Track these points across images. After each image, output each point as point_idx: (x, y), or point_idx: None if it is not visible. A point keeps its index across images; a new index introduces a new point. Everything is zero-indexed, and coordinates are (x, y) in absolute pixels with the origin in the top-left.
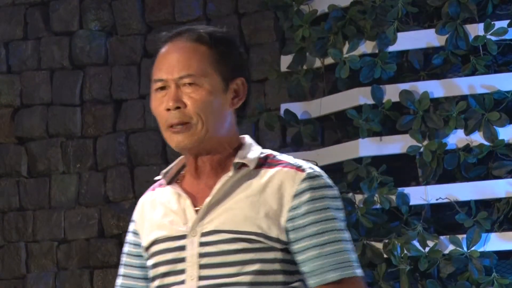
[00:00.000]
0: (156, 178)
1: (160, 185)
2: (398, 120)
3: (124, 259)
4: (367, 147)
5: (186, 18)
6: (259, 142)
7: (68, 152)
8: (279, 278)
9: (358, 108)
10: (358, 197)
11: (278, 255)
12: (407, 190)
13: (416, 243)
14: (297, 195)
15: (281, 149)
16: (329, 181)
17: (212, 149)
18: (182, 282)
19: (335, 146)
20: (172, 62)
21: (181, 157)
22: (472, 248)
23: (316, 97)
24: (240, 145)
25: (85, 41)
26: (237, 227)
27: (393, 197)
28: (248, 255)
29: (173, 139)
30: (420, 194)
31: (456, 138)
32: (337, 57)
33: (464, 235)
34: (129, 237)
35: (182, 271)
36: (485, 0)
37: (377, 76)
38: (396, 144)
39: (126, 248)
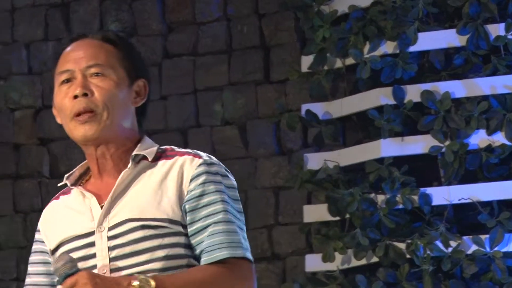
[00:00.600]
0: (60, 184)
1: (64, 194)
2: (419, 120)
3: (29, 268)
4: (389, 147)
5: (206, 18)
6: (280, 142)
7: None
8: (188, 262)
9: (380, 109)
10: (380, 198)
11: (184, 240)
12: (429, 190)
13: (439, 243)
14: (193, 178)
15: (303, 149)
16: (225, 170)
17: (114, 140)
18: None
19: (357, 147)
20: (79, 55)
21: (84, 162)
22: (495, 248)
23: (337, 97)
24: (139, 141)
25: None
26: (142, 214)
27: (415, 198)
28: (156, 241)
29: (80, 130)
30: (443, 195)
31: (478, 138)
32: (358, 58)
33: (487, 236)
34: (34, 246)
35: (93, 267)
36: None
37: (398, 76)
38: (418, 145)
39: (31, 258)
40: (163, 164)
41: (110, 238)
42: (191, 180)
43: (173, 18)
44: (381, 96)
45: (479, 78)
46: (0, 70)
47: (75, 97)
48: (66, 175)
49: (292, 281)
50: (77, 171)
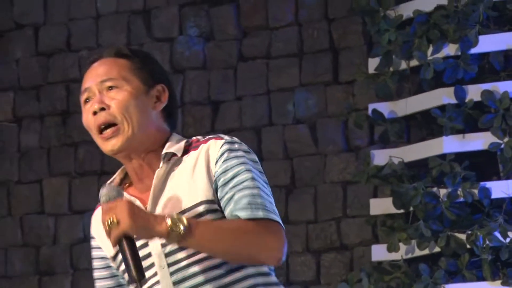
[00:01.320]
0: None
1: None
2: (480, 118)
3: (95, 274)
4: (451, 144)
5: (278, 23)
6: (348, 140)
7: None
8: None
9: (442, 108)
10: (442, 191)
11: (221, 216)
12: (488, 184)
13: (497, 234)
14: (218, 158)
15: (369, 146)
16: (247, 148)
17: (141, 146)
18: (155, 274)
19: (420, 144)
20: (94, 73)
21: (122, 167)
22: None
23: (402, 97)
24: (167, 141)
25: (184, 47)
26: (184, 206)
27: (476, 191)
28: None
29: (107, 145)
30: (501, 188)
31: None
32: (422, 59)
33: None
34: (93, 253)
35: (152, 265)
36: None
37: (460, 77)
38: (478, 141)
39: (94, 263)
40: (191, 156)
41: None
42: (216, 161)
43: (248, 23)
44: (444, 96)
45: None
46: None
47: (95, 113)
48: (108, 181)
49: (359, 270)
50: (117, 176)
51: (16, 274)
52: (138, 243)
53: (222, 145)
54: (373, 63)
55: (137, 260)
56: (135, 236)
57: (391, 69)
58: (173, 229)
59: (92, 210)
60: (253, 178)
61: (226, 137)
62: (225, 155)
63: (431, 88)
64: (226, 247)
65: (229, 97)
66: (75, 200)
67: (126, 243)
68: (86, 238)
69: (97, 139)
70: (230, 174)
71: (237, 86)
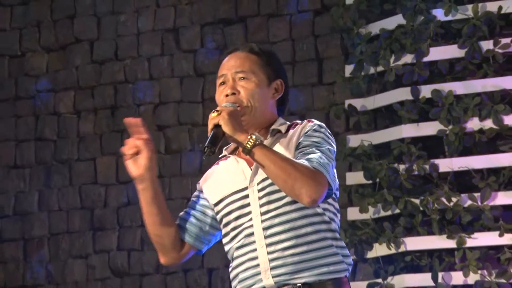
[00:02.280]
0: (220, 155)
1: (224, 158)
2: (430, 110)
3: (189, 203)
4: (408, 130)
5: (276, 39)
6: (329, 127)
7: (193, 136)
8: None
9: (401, 103)
10: (401, 167)
11: None
12: (437, 161)
13: (443, 199)
14: (306, 132)
15: (345, 132)
16: (327, 131)
17: (257, 125)
18: (250, 219)
19: (385, 130)
20: (230, 64)
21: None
22: (485, 203)
23: (370, 94)
24: (274, 122)
25: (204, 57)
26: None
27: (427, 167)
28: None
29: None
30: (447, 164)
31: (473, 124)
32: (386, 66)
33: (479, 193)
34: (195, 194)
35: (248, 213)
36: (493, 22)
37: (415, 79)
38: (429, 128)
39: (193, 199)
40: (290, 133)
41: (259, 190)
42: (303, 134)
43: (253, 38)
44: (403, 94)
45: (474, 80)
46: (130, 76)
47: (227, 95)
48: (225, 147)
49: None
50: (232, 145)
51: (75, 230)
52: (241, 194)
53: (310, 125)
54: (348, 69)
55: (214, 138)
56: (227, 130)
57: (362, 73)
58: (250, 139)
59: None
60: (321, 147)
61: (316, 121)
62: (310, 132)
63: (393, 88)
64: (279, 171)
65: None
66: (121, 173)
67: (216, 130)
68: (130, 202)
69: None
70: (307, 140)
71: None
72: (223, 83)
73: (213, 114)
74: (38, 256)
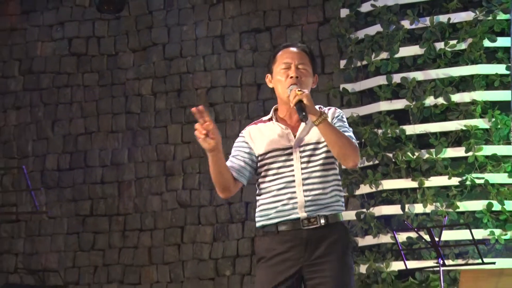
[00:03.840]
0: (263, 118)
1: (261, 122)
2: (400, 92)
3: (236, 150)
4: (384, 106)
5: (292, 42)
6: (329, 104)
7: (235, 110)
8: (334, 164)
9: (379, 86)
10: (380, 131)
11: None
12: (404, 127)
13: (409, 153)
14: (335, 117)
15: (340, 107)
16: (343, 114)
17: (312, 105)
18: (292, 170)
19: (368, 106)
20: (294, 55)
21: (272, 108)
22: (438, 156)
23: (358, 81)
24: None
25: (242, 55)
26: (316, 140)
27: (397, 131)
28: (321, 152)
29: (291, 94)
30: (411, 129)
31: (429, 101)
32: (368, 61)
33: (434, 149)
34: (240, 141)
35: (291, 165)
36: (444, 29)
37: (389, 70)
38: (399, 104)
39: (237, 144)
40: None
41: (301, 151)
42: (336, 117)
43: (276, 42)
44: (380, 80)
45: (430, 70)
46: (190, 69)
47: (291, 77)
48: (268, 116)
49: None
50: (272, 113)
51: (153, 176)
52: (285, 152)
53: (339, 112)
54: (342, 63)
55: (303, 109)
56: (305, 103)
57: (352, 66)
58: (322, 114)
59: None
60: (348, 129)
61: (339, 109)
62: (340, 117)
63: (373, 76)
64: (338, 140)
65: (264, 80)
66: (184, 136)
67: (300, 104)
68: (191, 156)
69: (282, 91)
70: (340, 122)
71: None
72: (287, 68)
73: (298, 92)
74: (127, 193)
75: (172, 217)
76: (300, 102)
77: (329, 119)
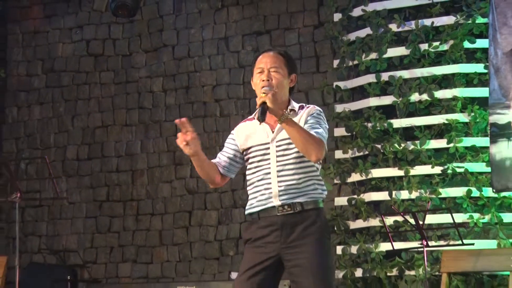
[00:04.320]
0: (249, 117)
1: (248, 120)
2: (387, 89)
3: (223, 150)
4: (373, 101)
5: (291, 43)
6: (323, 100)
7: (238, 105)
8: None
9: (369, 84)
10: (369, 124)
11: None
12: (392, 121)
13: (396, 145)
14: (310, 115)
15: (334, 103)
16: (321, 113)
17: (278, 103)
18: (269, 164)
19: (359, 101)
20: (266, 60)
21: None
22: (422, 147)
23: (349, 79)
24: (289, 102)
25: (245, 55)
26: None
27: (385, 124)
28: (294, 147)
29: (264, 99)
30: (398, 123)
31: (415, 97)
32: (359, 60)
33: (418, 141)
34: (230, 138)
35: (268, 159)
36: (428, 32)
37: (378, 69)
38: (387, 100)
39: (227, 141)
40: (300, 112)
41: (277, 146)
42: (309, 115)
43: (275, 44)
44: (370, 78)
45: (415, 69)
46: (197, 68)
47: (263, 80)
48: (254, 114)
49: (328, 163)
50: (257, 112)
51: (164, 165)
52: (264, 147)
53: (315, 110)
54: (335, 63)
55: (263, 110)
56: (270, 106)
57: (344, 65)
58: (283, 114)
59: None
60: (319, 126)
61: (317, 108)
62: (315, 114)
63: (364, 74)
64: (300, 137)
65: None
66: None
67: (264, 105)
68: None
69: (259, 94)
70: (313, 119)
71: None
72: (260, 72)
73: (262, 95)
74: (140, 181)
75: (180, 202)
76: (263, 104)
77: (304, 117)
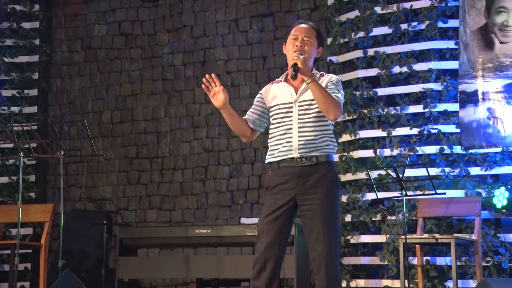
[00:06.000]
0: (277, 79)
1: (275, 82)
2: (373, 62)
3: (254, 103)
4: (361, 73)
5: (290, 24)
6: (319, 71)
7: (246, 77)
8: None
9: (358, 58)
10: (357, 93)
11: None
12: (377, 89)
13: (380, 110)
14: (330, 81)
15: (328, 73)
16: (339, 81)
17: (305, 68)
18: (291, 120)
19: (349, 73)
20: (302, 30)
21: (285, 73)
22: (402, 112)
23: (341, 53)
24: (312, 70)
25: (251, 34)
26: (311, 98)
27: (371, 92)
28: (314, 107)
29: (295, 60)
30: (382, 91)
31: (396, 69)
32: (349, 38)
33: (399, 106)
34: (258, 97)
35: (290, 116)
36: (409, 10)
37: (365, 45)
38: (372, 72)
39: (256, 99)
40: (322, 78)
41: (299, 106)
42: (331, 82)
43: (278, 24)
44: (358, 53)
45: (396, 45)
46: (212, 45)
47: (297, 46)
48: (281, 77)
49: None
50: (284, 76)
51: (184, 127)
52: (288, 105)
53: (334, 78)
54: (329, 40)
55: (296, 70)
56: (300, 66)
57: (336, 42)
58: (311, 76)
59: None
60: (338, 91)
61: (336, 76)
62: (335, 81)
63: (353, 50)
64: (323, 97)
65: (269, 54)
66: (208, 97)
67: (295, 66)
68: (213, 112)
69: (289, 57)
70: (333, 85)
71: (274, 49)
72: (295, 39)
73: (295, 57)
74: (164, 141)
75: (198, 159)
76: (295, 64)
77: (325, 83)
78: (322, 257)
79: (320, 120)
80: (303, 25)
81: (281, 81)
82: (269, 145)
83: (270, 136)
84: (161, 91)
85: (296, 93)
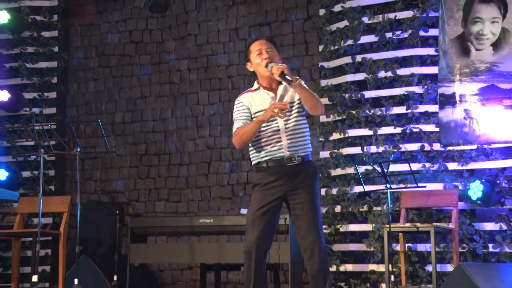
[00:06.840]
0: (250, 89)
1: (249, 91)
2: (360, 67)
3: (240, 116)
4: (350, 77)
5: (285, 33)
6: (311, 76)
7: (245, 80)
8: (304, 117)
9: (347, 64)
10: (346, 95)
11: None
12: (364, 92)
13: (367, 111)
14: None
15: (319, 78)
16: None
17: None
18: (277, 122)
19: (338, 77)
20: (262, 43)
21: (255, 82)
22: (387, 113)
23: (331, 60)
24: None
25: (250, 42)
26: (290, 100)
27: (359, 95)
28: (295, 108)
29: (266, 72)
30: (369, 94)
31: (381, 74)
32: (339, 46)
33: (384, 107)
34: (241, 106)
35: (275, 118)
36: (391, 23)
37: (353, 52)
38: (360, 76)
39: (241, 109)
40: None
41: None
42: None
43: (274, 33)
44: (347, 59)
45: (382, 52)
46: (214, 52)
47: (265, 59)
48: (255, 86)
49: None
50: (255, 84)
51: (188, 127)
52: (273, 120)
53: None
54: (321, 48)
55: (284, 76)
56: (286, 74)
57: (327, 49)
58: (298, 79)
59: None
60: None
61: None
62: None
63: (343, 57)
64: (311, 97)
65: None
66: (212, 98)
67: (282, 74)
68: (215, 113)
69: (261, 70)
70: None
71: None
72: (260, 53)
73: (279, 66)
74: (171, 139)
75: (202, 155)
76: (282, 72)
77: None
78: (315, 243)
79: (302, 121)
80: (260, 40)
81: (256, 90)
82: (252, 147)
83: (255, 138)
84: (168, 93)
85: (276, 97)
